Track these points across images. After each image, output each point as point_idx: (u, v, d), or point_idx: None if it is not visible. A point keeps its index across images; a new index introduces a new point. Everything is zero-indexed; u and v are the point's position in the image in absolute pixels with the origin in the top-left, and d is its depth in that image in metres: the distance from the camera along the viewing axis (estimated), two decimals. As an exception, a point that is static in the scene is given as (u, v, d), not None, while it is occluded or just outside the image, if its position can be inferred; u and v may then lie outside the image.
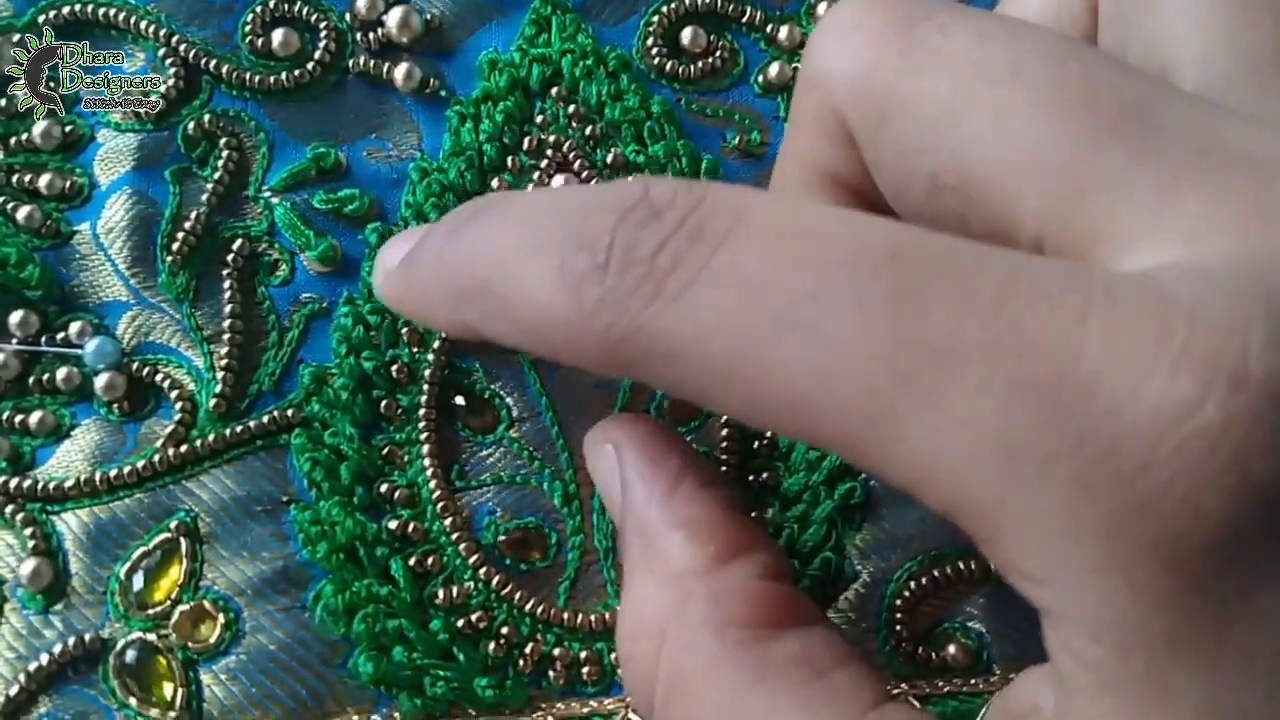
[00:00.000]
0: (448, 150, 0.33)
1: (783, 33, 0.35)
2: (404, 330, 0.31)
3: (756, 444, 0.31)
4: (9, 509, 0.30)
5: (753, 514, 0.30)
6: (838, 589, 0.30)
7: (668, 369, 0.19)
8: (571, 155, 0.33)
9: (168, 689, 0.29)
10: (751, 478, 0.31)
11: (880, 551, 0.30)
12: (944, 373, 0.16)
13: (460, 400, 0.31)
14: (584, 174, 0.32)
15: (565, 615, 0.29)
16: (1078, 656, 0.17)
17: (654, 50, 0.34)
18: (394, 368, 0.31)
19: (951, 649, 0.29)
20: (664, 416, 0.31)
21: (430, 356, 0.31)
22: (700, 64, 0.34)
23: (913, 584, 0.29)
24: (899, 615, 0.29)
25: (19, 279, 0.31)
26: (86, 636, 0.29)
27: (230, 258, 0.32)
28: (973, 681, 0.29)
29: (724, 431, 0.31)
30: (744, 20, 0.35)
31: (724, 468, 0.30)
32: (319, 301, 0.32)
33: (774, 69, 0.34)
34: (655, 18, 0.34)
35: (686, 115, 0.34)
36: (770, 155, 0.33)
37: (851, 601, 0.29)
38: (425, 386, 0.31)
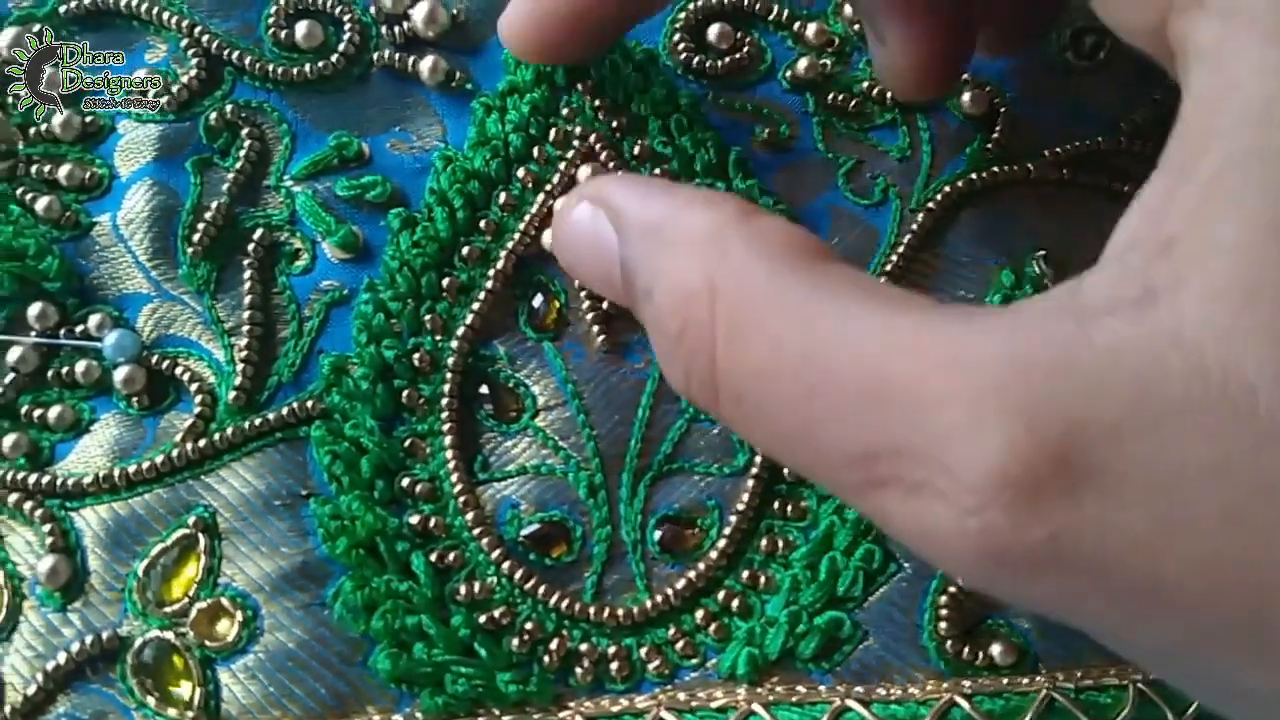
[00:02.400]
0: (473, 140, 0.32)
1: (810, 30, 0.34)
2: (426, 318, 0.30)
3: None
4: (28, 505, 0.29)
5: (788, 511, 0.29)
6: (881, 583, 0.28)
7: None
8: (598, 146, 0.32)
9: (185, 688, 0.28)
10: (787, 469, 0.30)
11: (922, 544, 0.29)
12: None
13: (484, 389, 0.30)
14: (611, 165, 0.32)
15: (592, 610, 0.28)
16: (1241, 17, 0.18)
17: (681, 47, 0.34)
18: (416, 356, 0.30)
19: (997, 646, 0.28)
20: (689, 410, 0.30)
21: (453, 344, 0.30)
22: (727, 60, 0.34)
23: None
24: (943, 611, 0.28)
25: (38, 271, 0.30)
26: (104, 635, 0.28)
27: (251, 247, 0.31)
28: (1021, 681, 0.28)
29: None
30: (770, 18, 0.34)
31: (756, 458, 0.30)
32: (340, 289, 0.31)
33: (802, 64, 0.33)
34: (682, 15, 0.34)
35: (713, 110, 0.33)
36: (798, 149, 0.33)
37: (893, 596, 0.28)
38: (448, 375, 0.30)
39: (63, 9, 0.33)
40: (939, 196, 0.32)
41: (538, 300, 0.31)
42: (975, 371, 0.18)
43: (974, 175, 0.32)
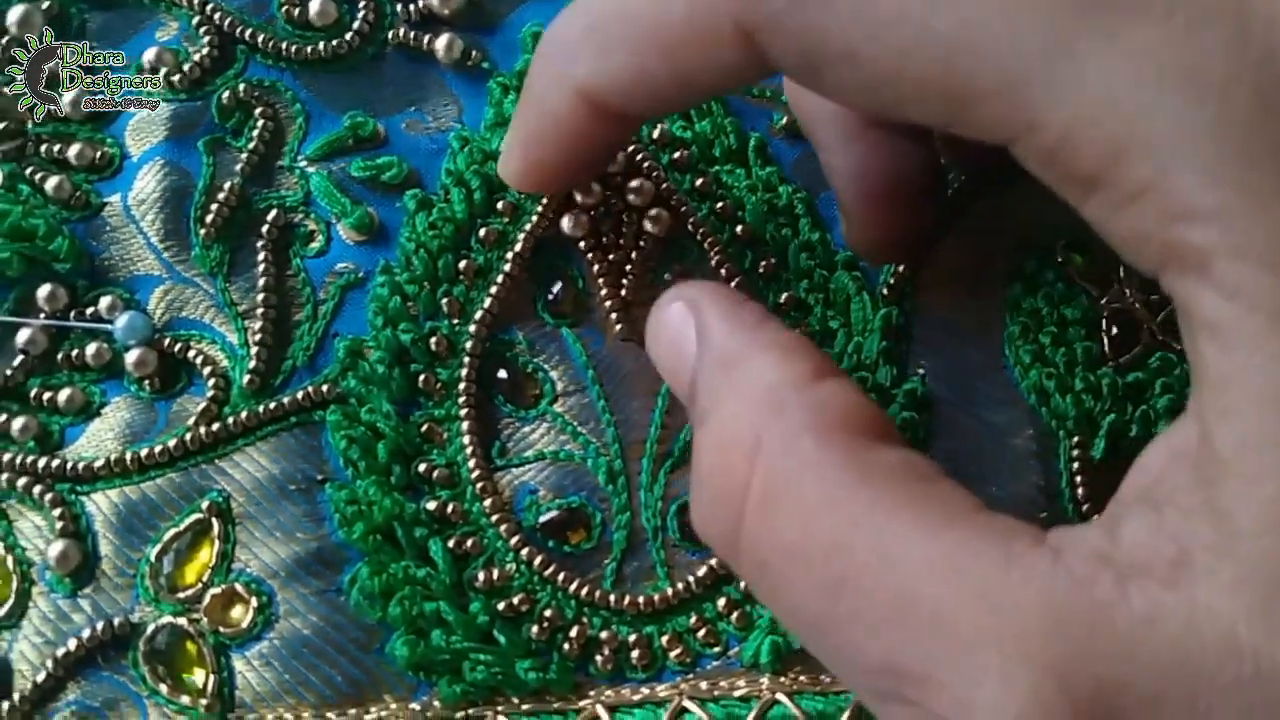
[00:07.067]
0: (490, 121, 0.31)
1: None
2: (443, 301, 0.30)
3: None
4: (37, 489, 0.29)
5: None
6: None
7: None
8: (616, 128, 0.31)
9: (198, 675, 0.28)
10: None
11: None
12: (1125, 9, 0.18)
13: (502, 374, 0.30)
14: (629, 148, 0.31)
15: (612, 597, 0.28)
16: (1244, 299, 0.17)
17: (702, 28, 0.33)
18: (433, 340, 0.29)
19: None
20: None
21: (471, 328, 0.30)
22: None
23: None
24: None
25: (47, 252, 0.30)
26: (116, 621, 0.28)
27: (265, 229, 0.31)
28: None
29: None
30: None
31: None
32: (355, 271, 0.31)
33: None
34: (702, -3, 0.33)
35: (733, 95, 0.33)
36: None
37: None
38: (465, 360, 0.29)
39: (73, -13, 0.32)
40: (958, 183, 0.31)
41: (556, 287, 0.30)
42: (1011, 614, 0.17)
43: (996, 160, 0.32)
